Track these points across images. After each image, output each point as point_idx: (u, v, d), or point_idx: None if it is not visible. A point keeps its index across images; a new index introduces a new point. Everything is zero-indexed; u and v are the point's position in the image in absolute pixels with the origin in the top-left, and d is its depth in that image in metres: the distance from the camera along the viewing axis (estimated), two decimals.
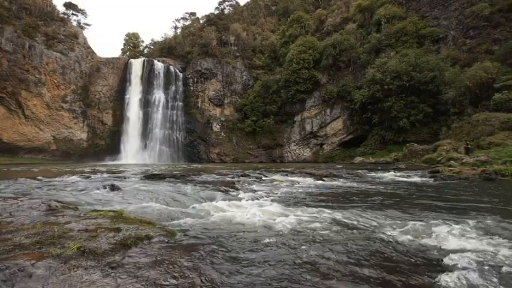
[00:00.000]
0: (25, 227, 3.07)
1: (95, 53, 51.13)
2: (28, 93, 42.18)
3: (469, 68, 30.59)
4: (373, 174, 14.65)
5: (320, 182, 11.00)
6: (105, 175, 12.49)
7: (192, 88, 53.04)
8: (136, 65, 51.62)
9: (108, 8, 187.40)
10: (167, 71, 52.11)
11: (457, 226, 3.91)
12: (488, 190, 8.45)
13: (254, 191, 7.95)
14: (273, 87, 48.31)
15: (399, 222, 4.27)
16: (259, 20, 67.45)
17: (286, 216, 4.55)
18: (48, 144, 44.92)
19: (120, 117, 49.66)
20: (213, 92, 52.66)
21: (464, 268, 2.43)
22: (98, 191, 6.88)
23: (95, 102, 48.70)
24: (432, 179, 11.68)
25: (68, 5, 55.80)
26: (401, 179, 12.39)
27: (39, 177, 10.06)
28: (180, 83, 52.84)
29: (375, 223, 4.17)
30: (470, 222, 4.26)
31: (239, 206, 5.59)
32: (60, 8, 55.51)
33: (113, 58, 53.31)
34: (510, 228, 3.86)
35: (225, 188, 7.87)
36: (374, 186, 9.57)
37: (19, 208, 3.92)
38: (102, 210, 4.17)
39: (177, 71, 53.38)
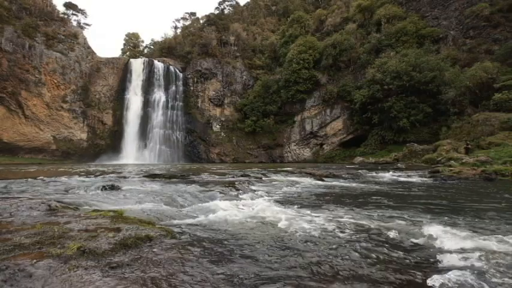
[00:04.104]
0: (25, 227, 3.08)
1: (95, 53, 51.13)
2: (28, 93, 42.18)
3: (469, 68, 30.60)
4: (373, 174, 14.65)
5: (320, 182, 11.00)
6: (105, 175, 12.50)
7: (192, 88, 53.06)
8: (136, 65, 51.64)
9: (108, 8, 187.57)
10: (167, 71, 52.13)
11: (456, 226, 3.91)
12: (488, 190, 8.46)
13: (254, 191, 7.95)
14: (273, 87, 48.34)
15: (399, 222, 4.27)
16: (259, 20, 67.46)
17: (286, 216, 4.56)
18: (48, 144, 44.92)
19: (120, 117, 49.65)
20: (213, 92, 52.67)
21: (463, 268, 2.44)
22: (98, 191, 6.89)
23: (95, 102, 48.69)
24: (432, 179, 11.69)
25: (68, 5, 55.81)
26: (401, 179, 12.39)
27: (39, 177, 10.07)
28: (180, 83, 52.85)
29: (374, 223, 4.17)
30: (470, 222, 4.26)
31: (239, 206, 5.59)
32: (60, 8, 55.69)
33: (113, 58, 53.30)
34: (510, 228, 3.86)
35: (225, 188, 7.87)
36: (374, 186, 9.57)
37: (19, 208, 3.93)
38: (102, 210, 4.18)
39: (177, 71, 53.39)
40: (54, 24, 46.97)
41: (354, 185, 10.09)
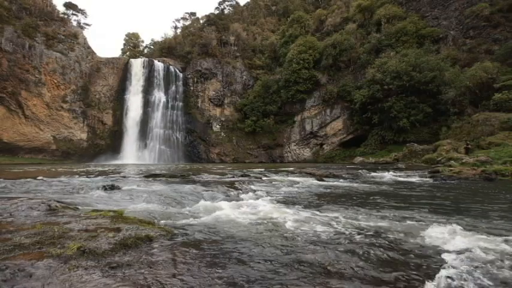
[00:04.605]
0: (25, 227, 3.08)
1: (95, 53, 51.11)
2: (28, 93, 42.17)
3: (469, 68, 30.59)
4: (373, 174, 14.64)
5: (320, 182, 10.99)
6: (105, 175, 12.50)
7: (192, 88, 53.05)
8: (136, 65, 51.63)
9: (108, 8, 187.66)
10: (167, 71, 52.11)
11: (456, 226, 3.91)
12: (489, 190, 8.46)
13: (254, 191, 7.95)
14: (273, 87, 48.33)
15: (398, 222, 4.27)
16: (259, 20, 67.44)
17: (286, 216, 4.56)
18: (48, 144, 44.91)
19: (120, 117, 49.64)
20: (213, 92, 52.66)
21: (463, 268, 2.43)
22: (97, 191, 6.89)
23: (95, 102, 48.68)
24: (432, 179, 11.68)
25: (68, 5, 55.80)
26: (401, 179, 12.39)
27: (39, 177, 10.06)
28: (180, 83, 52.84)
29: (373, 223, 4.17)
30: (470, 222, 4.26)
31: (239, 206, 5.59)
32: (60, 8, 55.64)
33: (113, 58, 53.29)
34: (509, 228, 3.86)
35: (224, 188, 7.87)
36: (374, 186, 9.57)
37: (19, 208, 3.92)
38: (102, 210, 4.17)
39: (177, 71, 53.38)
40: (54, 24, 46.95)
41: (354, 185, 10.09)
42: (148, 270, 2.20)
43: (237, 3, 74.50)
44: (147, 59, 54.36)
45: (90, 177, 10.98)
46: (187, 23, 72.67)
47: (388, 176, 13.64)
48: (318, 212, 4.98)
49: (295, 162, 45.08)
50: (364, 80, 39.76)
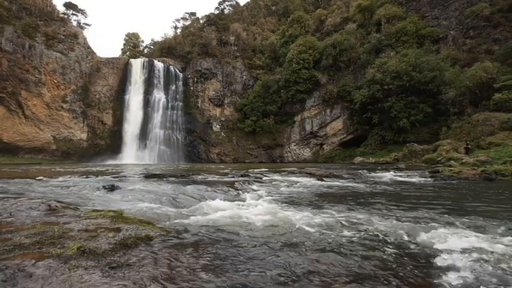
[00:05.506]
0: (25, 227, 3.07)
1: (95, 53, 51.10)
2: (28, 93, 42.17)
3: (469, 68, 30.58)
4: (373, 174, 14.64)
5: (320, 182, 10.99)
6: (105, 175, 12.49)
7: (192, 88, 53.05)
8: (136, 65, 51.62)
9: (108, 8, 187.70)
10: (167, 71, 52.11)
11: (456, 226, 3.91)
12: (487, 190, 8.45)
13: (254, 190, 7.95)
14: (273, 87, 48.34)
15: (401, 222, 4.26)
16: (259, 20, 67.44)
17: (287, 216, 4.55)
18: (48, 144, 44.91)
19: (120, 117, 49.63)
20: (213, 92, 52.65)
21: (462, 268, 2.43)
22: (97, 191, 6.88)
23: (95, 102, 48.68)
24: (432, 179, 11.68)
25: (68, 5, 55.80)
26: (401, 179, 12.38)
27: (39, 177, 10.06)
28: (180, 83, 52.84)
29: (373, 223, 4.16)
30: (470, 222, 4.25)
31: (239, 205, 5.58)
32: (60, 8, 55.67)
33: (113, 58, 53.27)
34: (508, 228, 3.86)
35: (224, 188, 7.87)
36: (374, 187, 9.56)
37: (19, 208, 3.92)
38: (102, 210, 4.17)
39: (177, 71, 53.38)
40: (54, 24, 46.94)
41: (354, 185, 10.08)
42: (148, 270, 2.20)
43: (237, 3, 74.56)
44: (147, 59, 54.35)
45: (90, 177, 10.98)
46: (187, 23, 72.71)
47: (388, 176, 13.63)
48: (319, 213, 4.98)
49: (295, 162, 45.07)
50: (364, 80, 39.75)
